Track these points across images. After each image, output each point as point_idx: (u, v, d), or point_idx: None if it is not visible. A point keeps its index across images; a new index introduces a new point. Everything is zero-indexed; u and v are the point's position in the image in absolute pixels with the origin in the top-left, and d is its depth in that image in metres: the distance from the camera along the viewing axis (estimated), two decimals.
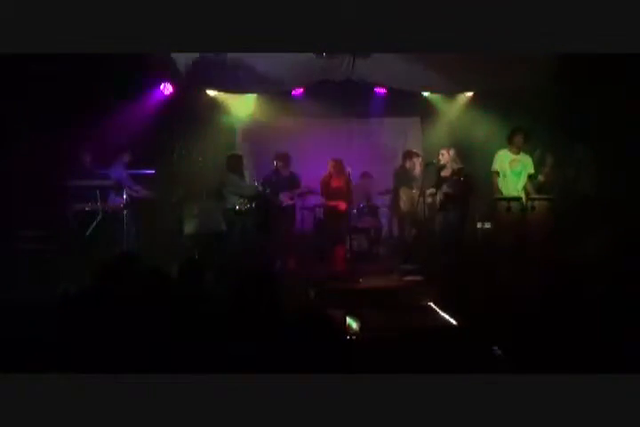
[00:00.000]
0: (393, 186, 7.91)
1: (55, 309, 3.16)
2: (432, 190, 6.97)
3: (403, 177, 7.70)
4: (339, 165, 7.54)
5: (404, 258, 7.48)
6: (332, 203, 7.62)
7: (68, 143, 6.57)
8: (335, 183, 7.56)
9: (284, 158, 7.37)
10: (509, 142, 6.70)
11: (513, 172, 6.69)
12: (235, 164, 7.14)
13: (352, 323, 3.57)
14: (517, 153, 6.70)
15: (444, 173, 6.89)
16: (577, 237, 6.40)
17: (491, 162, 6.90)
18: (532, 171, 6.71)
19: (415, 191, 7.29)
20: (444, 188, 6.84)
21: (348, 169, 7.27)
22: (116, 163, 7.14)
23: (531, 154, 6.82)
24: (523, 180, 6.69)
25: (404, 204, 7.70)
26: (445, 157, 6.85)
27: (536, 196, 6.60)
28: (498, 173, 6.71)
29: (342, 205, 7.56)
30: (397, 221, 8.09)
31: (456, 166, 6.87)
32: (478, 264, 6.06)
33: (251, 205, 6.99)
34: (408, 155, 7.74)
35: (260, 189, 7.12)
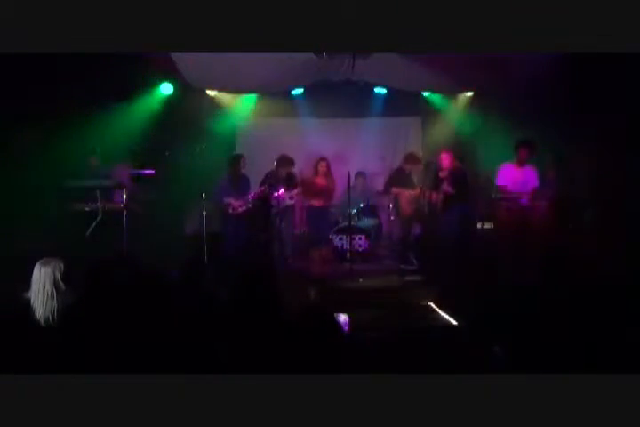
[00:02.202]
0: (389, 186, 7.92)
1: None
2: (431, 190, 6.99)
3: (399, 178, 7.70)
4: (324, 165, 7.53)
5: (403, 258, 7.49)
6: (315, 202, 7.61)
7: (67, 143, 6.56)
8: (319, 182, 7.53)
9: (286, 161, 7.38)
10: (515, 155, 6.67)
11: (515, 185, 6.68)
12: (233, 164, 7.16)
13: (341, 317, 3.58)
14: (522, 166, 6.67)
15: (443, 175, 6.89)
16: (577, 236, 6.41)
17: (491, 161, 6.90)
18: (535, 185, 6.64)
19: (414, 191, 7.28)
20: (444, 187, 6.84)
21: (348, 170, 7.25)
22: (119, 164, 7.15)
23: (538, 163, 6.76)
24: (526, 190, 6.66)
25: (403, 204, 7.70)
26: (447, 160, 6.84)
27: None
28: (500, 188, 6.72)
29: (325, 205, 7.56)
30: (397, 221, 8.09)
31: (455, 168, 6.87)
32: (478, 264, 6.06)
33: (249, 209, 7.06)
34: (410, 159, 7.71)
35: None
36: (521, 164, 6.63)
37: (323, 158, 7.50)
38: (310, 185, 7.44)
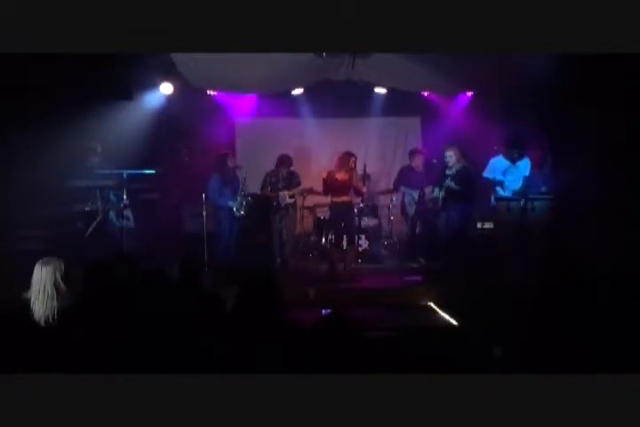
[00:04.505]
0: (397, 184, 7.89)
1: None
2: (434, 190, 6.99)
3: (407, 176, 7.69)
4: (354, 161, 7.34)
5: (405, 258, 7.48)
6: (336, 199, 7.45)
7: (67, 143, 6.57)
8: (345, 178, 7.33)
9: (286, 160, 7.36)
10: (505, 152, 6.71)
11: (507, 179, 6.69)
12: (222, 163, 7.11)
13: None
14: (514, 162, 6.70)
15: (448, 173, 6.88)
16: (577, 236, 6.41)
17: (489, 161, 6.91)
18: (526, 173, 6.64)
19: (418, 190, 7.26)
20: (447, 186, 6.82)
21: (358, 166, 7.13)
22: None
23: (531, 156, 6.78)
24: (519, 183, 6.66)
25: (406, 203, 7.70)
26: (454, 158, 6.84)
27: (536, 196, 6.60)
28: (491, 180, 6.74)
29: (347, 201, 7.42)
30: (398, 221, 8.08)
31: (460, 166, 6.86)
32: (479, 264, 6.06)
33: (246, 209, 7.03)
34: (413, 153, 7.72)
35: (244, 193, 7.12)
36: (513, 161, 6.67)
37: (351, 154, 7.27)
38: (335, 181, 7.22)
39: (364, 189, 7.19)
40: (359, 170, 6.99)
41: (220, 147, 7.92)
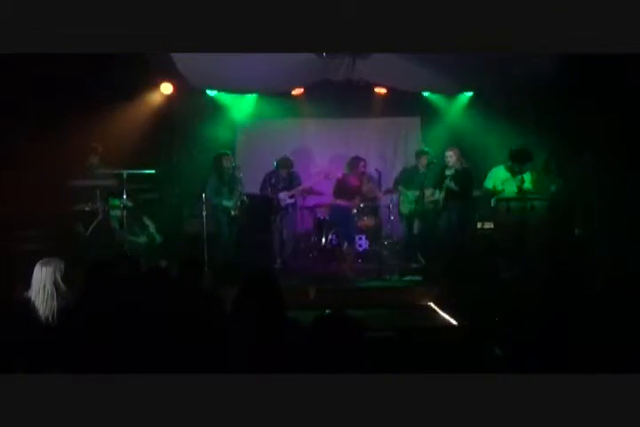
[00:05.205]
0: (398, 185, 7.87)
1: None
2: (434, 191, 6.97)
3: (408, 176, 7.68)
4: (364, 164, 7.30)
5: (405, 258, 7.47)
6: (340, 201, 7.41)
7: (67, 143, 6.56)
8: (356, 182, 7.26)
9: (286, 163, 7.36)
10: (508, 163, 6.65)
11: (507, 189, 6.65)
12: (221, 163, 7.09)
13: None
14: (516, 173, 6.66)
15: (447, 173, 6.87)
16: (577, 236, 6.41)
17: (491, 161, 6.89)
18: (528, 186, 6.58)
19: (418, 191, 7.25)
20: (446, 187, 6.81)
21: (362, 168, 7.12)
22: None
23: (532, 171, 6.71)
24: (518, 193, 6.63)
25: (406, 203, 7.69)
26: (454, 158, 6.82)
27: (536, 196, 6.59)
28: (490, 191, 6.71)
29: (350, 204, 7.41)
30: (399, 221, 8.07)
31: (460, 166, 6.84)
32: (478, 264, 6.06)
33: (242, 209, 7.02)
34: (418, 154, 7.71)
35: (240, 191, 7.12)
36: (514, 175, 6.61)
37: (360, 158, 7.21)
38: (345, 184, 7.15)
39: (380, 195, 7.21)
40: (368, 173, 7.00)
41: (220, 147, 7.90)
